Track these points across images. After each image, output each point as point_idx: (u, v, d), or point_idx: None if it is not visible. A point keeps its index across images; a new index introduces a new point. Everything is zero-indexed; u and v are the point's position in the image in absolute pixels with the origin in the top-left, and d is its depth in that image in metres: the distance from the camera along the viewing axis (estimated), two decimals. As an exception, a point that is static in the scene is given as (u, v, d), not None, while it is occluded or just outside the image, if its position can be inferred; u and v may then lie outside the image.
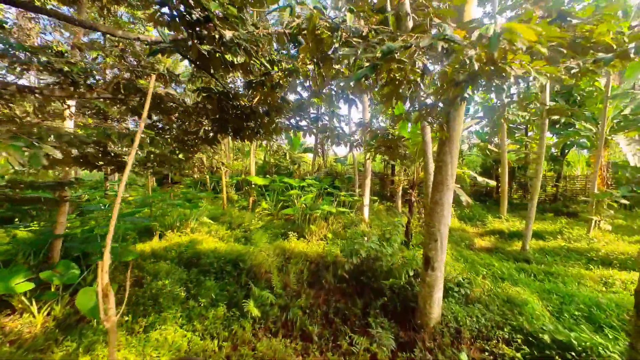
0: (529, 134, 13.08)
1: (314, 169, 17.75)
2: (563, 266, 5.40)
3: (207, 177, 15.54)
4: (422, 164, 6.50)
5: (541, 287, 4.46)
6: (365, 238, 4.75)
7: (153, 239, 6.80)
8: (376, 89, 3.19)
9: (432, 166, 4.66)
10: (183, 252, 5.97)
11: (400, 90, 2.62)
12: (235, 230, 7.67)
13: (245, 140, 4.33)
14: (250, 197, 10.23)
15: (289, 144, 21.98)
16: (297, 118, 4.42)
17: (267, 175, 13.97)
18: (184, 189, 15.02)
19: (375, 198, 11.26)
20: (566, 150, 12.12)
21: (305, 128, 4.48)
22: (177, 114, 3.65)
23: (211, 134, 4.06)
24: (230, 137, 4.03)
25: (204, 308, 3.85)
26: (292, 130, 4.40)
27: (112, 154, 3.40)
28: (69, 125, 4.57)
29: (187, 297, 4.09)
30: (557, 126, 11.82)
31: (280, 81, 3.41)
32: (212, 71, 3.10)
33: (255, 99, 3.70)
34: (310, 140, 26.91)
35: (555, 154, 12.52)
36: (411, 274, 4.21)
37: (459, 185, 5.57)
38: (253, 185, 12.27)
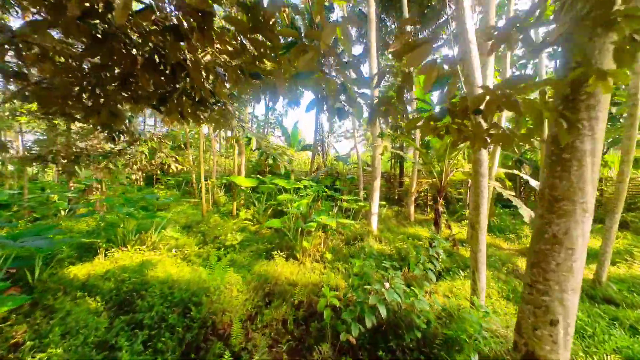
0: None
1: (313, 168, 16.08)
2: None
3: (194, 175, 13.90)
4: (453, 161, 4.81)
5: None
6: (386, 284, 3.04)
7: (96, 259, 5.15)
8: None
9: (485, 161, 2.96)
10: (124, 282, 4.32)
11: None
12: (207, 246, 6.01)
13: (190, 122, 2.67)
14: (234, 202, 8.57)
15: (286, 140, 20.34)
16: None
17: (259, 176, 12.31)
18: (165, 189, 13.38)
19: (383, 203, 9.57)
20: (607, 149, 10.41)
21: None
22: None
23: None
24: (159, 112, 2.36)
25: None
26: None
27: None
28: None
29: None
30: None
31: None
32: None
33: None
34: (310, 138, 25.17)
35: (590, 152, 10.79)
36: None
37: (512, 194, 3.88)
38: (243, 188, 10.64)
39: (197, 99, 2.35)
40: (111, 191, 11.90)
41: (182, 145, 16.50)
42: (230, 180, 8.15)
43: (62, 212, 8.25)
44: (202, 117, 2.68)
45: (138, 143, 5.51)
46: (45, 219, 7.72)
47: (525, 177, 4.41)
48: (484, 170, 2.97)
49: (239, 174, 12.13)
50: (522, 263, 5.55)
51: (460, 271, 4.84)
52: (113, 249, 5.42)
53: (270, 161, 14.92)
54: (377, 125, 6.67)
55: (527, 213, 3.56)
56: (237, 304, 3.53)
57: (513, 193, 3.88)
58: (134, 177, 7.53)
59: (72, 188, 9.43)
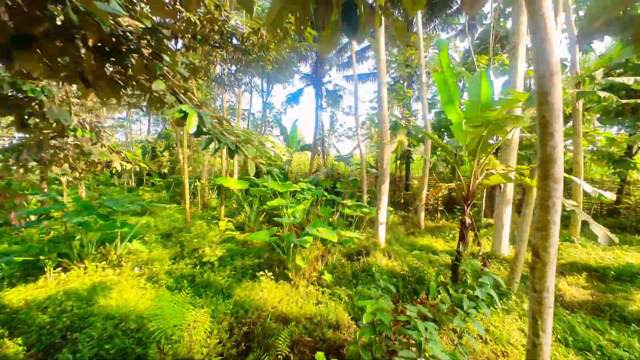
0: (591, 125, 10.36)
1: (313, 169, 15.09)
2: None
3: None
4: (484, 160, 3.82)
5: None
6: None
7: (41, 279, 4.18)
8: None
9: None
10: (64, 314, 3.35)
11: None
12: (182, 262, 5.02)
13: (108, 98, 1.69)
14: (222, 206, 7.59)
15: (284, 140, 19.38)
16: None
17: (252, 177, 11.35)
18: (152, 191, 12.40)
19: (390, 208, 8.57)
20: (637, 150, 9.38)
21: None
22: None
23: None
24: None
25: None
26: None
27: None
28: None
29: None
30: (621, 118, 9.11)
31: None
32: None
33: None
34: (309, 138, 24.21)
35: (617, 154, 9.76)
36: None
37: (575, 204, 2.87)
38: (234, 191, 9.69)
39: (105, 51, 1.37)
40: (90, 194, 10.94)
41: (174, 144, 15.56)
42: (218, 182, 7.17)
43: (32, 218, 7.31)
44: (123, 88, 1.70)
45: (66, 133, 4.50)
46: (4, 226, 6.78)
47: (578, 181, 3.41)
48: (559, 172, 1.98)
49: (232, 175, 11.18)
50: (563, 286, 4.52)
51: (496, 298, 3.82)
52: (67, 266, 4.45)
53: (268, 160, 13.94)
54: (386, 119, 5.70)
55: (600, 232, 2.56)
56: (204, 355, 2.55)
57: (575, 203, 2.88)
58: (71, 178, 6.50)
59: (45, 190, 8.47)
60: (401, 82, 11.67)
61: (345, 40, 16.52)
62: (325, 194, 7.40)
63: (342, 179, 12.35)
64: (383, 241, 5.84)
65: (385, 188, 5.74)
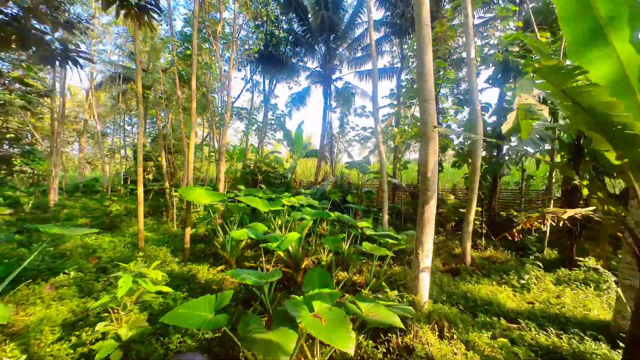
0: None
1: (319, 178, 12.89)
2: None
3: (167, 184, 10.91)
4: None
5: None
6: None
7: None
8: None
9: None
10: None
11: None
12: (74, 336, 2.83)
13: None
14: (187, 228, 5.42)
15: (288, 145, 17.30)
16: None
17: (239, 188, 9.21)
18: (120, 202, 10.32)
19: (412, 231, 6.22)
20: None
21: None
22: None
23: None
24: None
25: None
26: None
27: None
28: None
29: None
30: None
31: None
32: None
33: None
34: (317, 142, 22.07)
35: None
36: None
37: None
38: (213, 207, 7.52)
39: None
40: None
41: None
42: (182, 195, 5.03)
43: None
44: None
45: None
46: None
47: None
48: None
49: (218, 183, 9.05)
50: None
51: None
52: None
53: (265, 167, 11.83)
54: (432, 97, 3.46)
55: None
56: None
57: None
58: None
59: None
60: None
61: (359, 31, 14.55)
62: (331, 214, 5.13)
63: (353, 190, 10.09)
64: (426, 299, 3.52)
65: (431, 212, 3.45)
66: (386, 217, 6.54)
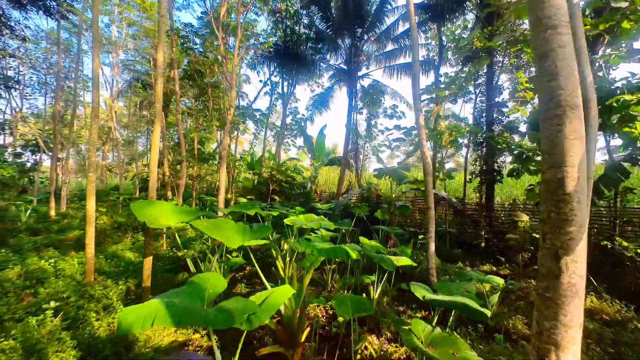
0: None
1: (341, 189, 11.05)
2: None
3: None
4: None
5: None
6: None
7: None
8: None
9: None
10: None
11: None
12: None
13: None
14: (145, 259, 3.83)
15: (309, 151, 15.69)
16: None
17: (242, 199, 7.61)
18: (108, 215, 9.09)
19: (495, 277, 4.23)
20: None
21: None
22: None
23: None
24: None
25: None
26: None
27: None
28: None
29: None
30: None
31: None
32: None
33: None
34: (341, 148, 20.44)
35: None
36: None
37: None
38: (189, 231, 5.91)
39: None
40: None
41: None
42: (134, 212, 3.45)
43: None
44: None
45: None
46: None
47: None
48: None
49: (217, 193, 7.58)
50: None
51: None
52: None
53: (279, 176, 10.22)
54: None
55: None
56: None
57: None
58: None
59: None
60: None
61: (389, 20, 12.79)
62: (351, 252, 3.24)
63: (383, 204, 8.13)
64: None
65: (582, 247, 1.53)
66: (433, 247, 4.55)
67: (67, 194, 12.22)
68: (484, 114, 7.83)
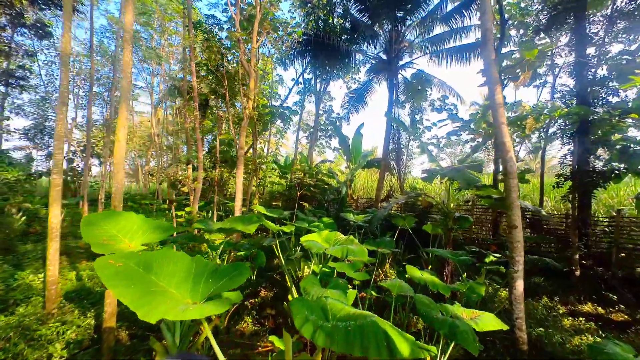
0: None
1: (381, 195, 9.51)
2: None
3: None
4: None
5: None
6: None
7: None
8: None
9: None
10: None
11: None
12: None
13: None
14: (107, 299, 2.84)
15: (344, 153, 14.30)
16: None
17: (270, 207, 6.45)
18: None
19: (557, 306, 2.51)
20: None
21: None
22: None
23: None
24: None
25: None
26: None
27: None
28: None
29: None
30: None
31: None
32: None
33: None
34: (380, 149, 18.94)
35: None
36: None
37: None
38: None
39: None
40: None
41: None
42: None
43: None
44: None
45: None
46: None
47: None
48: None
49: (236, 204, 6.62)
50: None
51: None
52: None
53: (308, 180, 9.02)
54: None
55: None
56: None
57: None
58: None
59: None
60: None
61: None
62: (398, 335, 1.82)
63: (434, 215, 6.45)
64: None
65: None
66: (521, 286, 2.93)
67: (102, 198, 12.33)
68: (571, 96, 5.83)
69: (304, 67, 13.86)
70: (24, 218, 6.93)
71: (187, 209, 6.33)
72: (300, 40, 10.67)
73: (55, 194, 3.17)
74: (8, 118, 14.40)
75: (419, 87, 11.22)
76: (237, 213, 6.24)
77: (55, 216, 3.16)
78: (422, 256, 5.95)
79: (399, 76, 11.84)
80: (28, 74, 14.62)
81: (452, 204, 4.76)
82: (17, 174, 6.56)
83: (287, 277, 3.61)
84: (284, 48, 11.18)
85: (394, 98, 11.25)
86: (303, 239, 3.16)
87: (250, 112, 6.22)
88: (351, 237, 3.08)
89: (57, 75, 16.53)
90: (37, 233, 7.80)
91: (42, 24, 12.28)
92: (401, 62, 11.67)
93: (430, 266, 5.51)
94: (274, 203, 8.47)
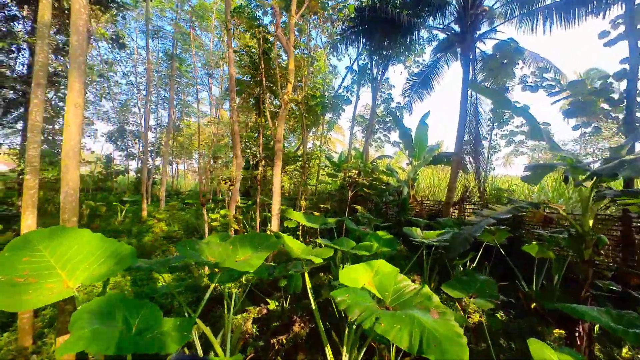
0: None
1: (453, 195, 7.64)
2: None
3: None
4: None
5: None
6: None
7: None
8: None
9: None
10: None
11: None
12: None
13: None
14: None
15: (406, 147, 12.38)
16: None
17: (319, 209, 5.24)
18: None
19: None
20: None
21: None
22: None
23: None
24: None
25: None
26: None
27: None
28: None
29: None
30: None
31: None
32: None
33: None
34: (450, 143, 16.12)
35: None
36: None
37: None
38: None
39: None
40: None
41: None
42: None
43: None
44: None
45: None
46: None
47: None
48: None
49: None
50: None
51: None
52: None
53: (360, 179, 7.67)
54: None
55: None
56: None
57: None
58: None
59: None
60: None
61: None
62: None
63: (533, 226, 4.49)
64: None
65: None
66: None
67: (164, 196, 12.78)
68: None
69: (359, 51, 12.40)
70: (123, 213, 7.38)
71: (222, 211, 5.59)
72: (354, 17, 9.28)
73: (28, 199, 2.50)
74: (93, 123, 16.38)
75: (504, 61, 8.82)
76: (275, 217, 5.26)
77: (28, 227, 2.48)
78: (520, 287, 4.15)
79: (476, 50, 9.57)
80: (108, 83, 16.25)
81: (590, 220, 2.92)
82: (53, 173, 6.78)
83: (317, 321, 2.37)
84: (334, 29, 9.94)
85: (470, 77, 9.09)
86: (335, 293, 1.87)
87: (288, 98, 5.14)
88: (427, 289, 1.69)
89: (134, 84, 18.19)
90: (97, 229, 8.09)
91: (117, 35, 13.27)
92: (478, 32, 9.40)
93: (533, 305, 3.70)
94: (321, 206, 7.32)
